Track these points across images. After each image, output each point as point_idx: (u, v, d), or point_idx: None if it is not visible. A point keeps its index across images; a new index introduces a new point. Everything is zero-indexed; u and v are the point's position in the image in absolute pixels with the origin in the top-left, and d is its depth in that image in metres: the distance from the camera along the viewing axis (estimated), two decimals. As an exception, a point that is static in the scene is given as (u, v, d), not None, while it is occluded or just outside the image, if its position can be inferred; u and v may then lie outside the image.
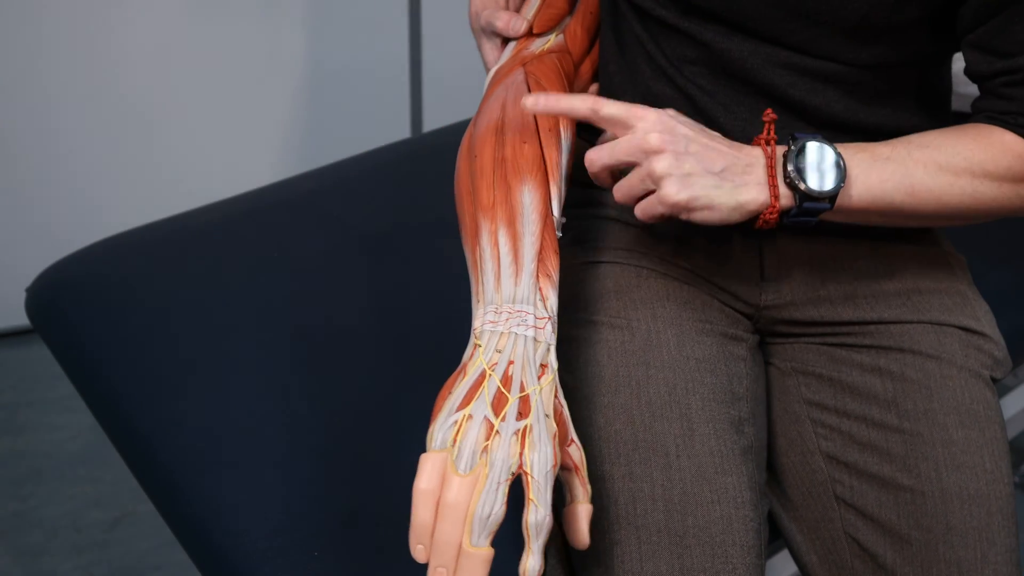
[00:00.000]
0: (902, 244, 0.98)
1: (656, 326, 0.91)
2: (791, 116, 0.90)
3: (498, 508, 0.69)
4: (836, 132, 0.90)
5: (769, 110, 0.85)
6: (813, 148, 0.83)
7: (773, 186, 0.82)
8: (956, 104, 1.05)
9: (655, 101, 0.93)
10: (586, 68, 1.01)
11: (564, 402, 0.76)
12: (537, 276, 0.79)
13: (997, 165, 0.85)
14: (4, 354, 1.90)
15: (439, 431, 0.71)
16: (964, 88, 1.01)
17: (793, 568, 1.25)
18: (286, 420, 0.99)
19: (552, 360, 0.76)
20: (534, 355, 0.75)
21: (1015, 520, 0.88)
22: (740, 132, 0.90)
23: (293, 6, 1.87)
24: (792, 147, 0.83)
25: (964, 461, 0.88)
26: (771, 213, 0.82)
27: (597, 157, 0.84)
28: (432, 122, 2.06)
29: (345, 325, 1.08)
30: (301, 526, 0.90)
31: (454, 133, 1.40)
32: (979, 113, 0.88)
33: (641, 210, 0.84)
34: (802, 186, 0.82)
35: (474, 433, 0.70)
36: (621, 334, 0.90)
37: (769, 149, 0.83)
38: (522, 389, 0.73)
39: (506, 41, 1.01)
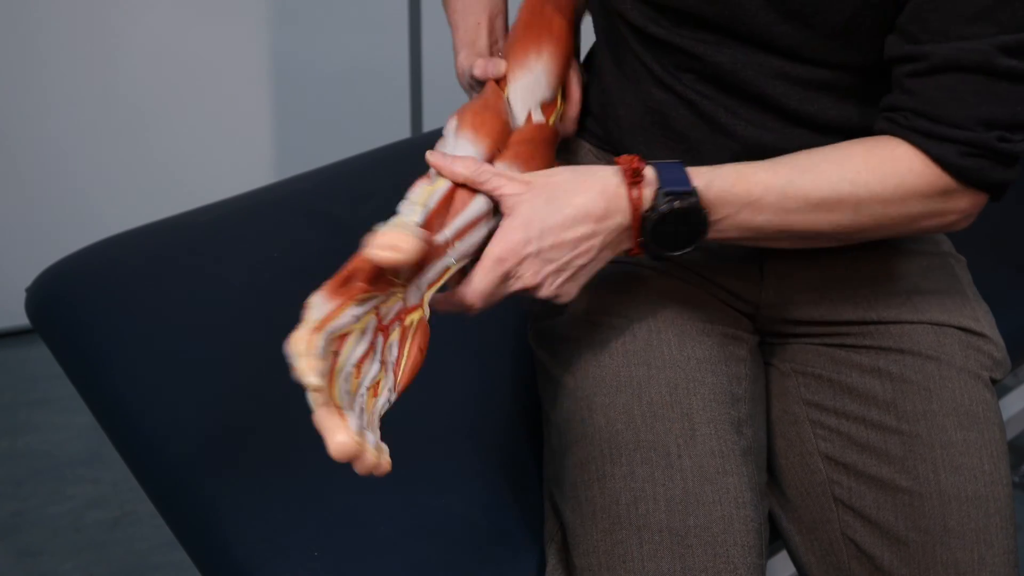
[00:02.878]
0: (902, 244, 0.98)
1: (657, 326, 0.91)
2: (788, 124, 0.89)
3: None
4: (833, 136, 0.90)
5: (636, 157, 0.83)
6: (672, 216, 0.81)
7: (635, 234, 0.82)
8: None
9: (657, 107, 0.93)
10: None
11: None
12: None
13: (884, 186, 0.82)
14: (4, 354, 1.90)
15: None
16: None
17: (793, 568, 1.25)
18: (286, 420, 0.99)
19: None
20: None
21: (1014, 522, 0.89)
22: (743, 132, 0.90)
23: (293, 6, 1.87)
24: (652, 213, 0.81)
25: (963, 463, 0.88)
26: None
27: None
28: (432, 122, 2.06)
29: (345, 325, 1.08)
30: (301, 526, 0.90)
31: (454, 133, 1.39)
32: (881, 111, 0.85)
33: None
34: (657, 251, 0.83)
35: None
36: (622, 334, 0.91)
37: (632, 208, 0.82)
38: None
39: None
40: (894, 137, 0.83)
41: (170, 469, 0.96)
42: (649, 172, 0.81)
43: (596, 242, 0.82)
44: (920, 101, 0.80)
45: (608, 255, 0.84)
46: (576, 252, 0.81)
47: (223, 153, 1.92)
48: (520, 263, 0.80)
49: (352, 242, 1.18)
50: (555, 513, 0.91)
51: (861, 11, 0.82)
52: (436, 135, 1.45)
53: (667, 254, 0.83)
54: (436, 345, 1.07)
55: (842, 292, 0.96)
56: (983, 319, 0.97)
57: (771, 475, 0.96)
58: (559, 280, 0.82)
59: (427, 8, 1.95)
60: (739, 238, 0.85)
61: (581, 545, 0.85)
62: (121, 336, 1.06)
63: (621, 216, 0.81)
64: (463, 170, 0.82)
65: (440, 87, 2.03)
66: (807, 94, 0.88)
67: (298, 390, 1.02)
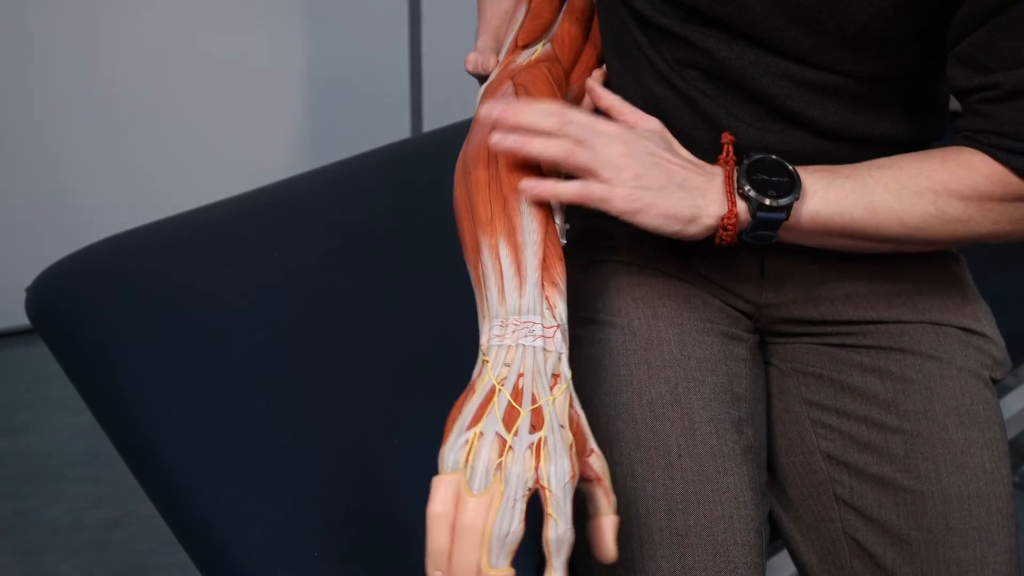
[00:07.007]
0: (902, 244, 0.98)
1: (657, 325, 0.91)
2: (789, 126, 0.90)
3: (516, 526, 0.67)
4: (834, 142, 0.90)
5: (727, 132, 0.87)
6: (767, 162, 0.84)
7: (729, 192, 0.83)
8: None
9: (657, 103, 0.93)
10: (577, 75, 1.00)
11: (581, 412, 0.74)
12: (542, 285, 0.77)
13: (962, 184, 0.84)
14: (4, 354, 1.90)
15: (450, 452, 0.69)
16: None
17: (793, 568, 1.25)
18: (286, 420, 0.99)
19: (565, 369, 0.74)
20: (545, 366, 0.73)
21: (1015, 520, 0.89)
22: (743, 133, 0.90)
23: (293, 7, 1.87)
24: (746, 161, 0.84)
25: (964, 461, 0.88)
26: (729, 220, 0.83)
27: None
28: (432, 122, 2.06)
29: (344, 325, 1.08)
30: (301, 526, 0.90)
31: (454, 133, 1.39)
32: (958, 132, 0.87)
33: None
34: (753, 194, 0.82)
35: (487, 450, 0.68)
36: (622, 333, 0.91)
37: (727, 168, 0.85)
38: (534, 401, 0.71)
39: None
40: (967, 148, 0.85)
41: (170, 469, 0.96)
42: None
43: (685, 167, 0.83)
44: (999, 123, 0.83)
45: (687, 198, 0.83)
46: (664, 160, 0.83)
47: (222, 153, 1.92)
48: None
49: (352, 242, 1.19)
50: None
51: (872, 23, 0.83)
52: (436, 135, 1.46)
53: (762, 199, 0.84)
54: (437, 345, 1.07)
55: (842, 292, 0.96)
56: (983, 319, 0.97)
57: (772, 474, 0.96)
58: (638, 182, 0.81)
59: (427, 8, 1.96)
60: (824, 218, 0.86)
61: (581, 545, 0.85)
62: (121, 336, 1.06)
63: (714, 169, 0.85)
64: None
65: (440, 87, 2.03)
66: (811, 97, 0.88)
67: (297, 390, 1.03)
